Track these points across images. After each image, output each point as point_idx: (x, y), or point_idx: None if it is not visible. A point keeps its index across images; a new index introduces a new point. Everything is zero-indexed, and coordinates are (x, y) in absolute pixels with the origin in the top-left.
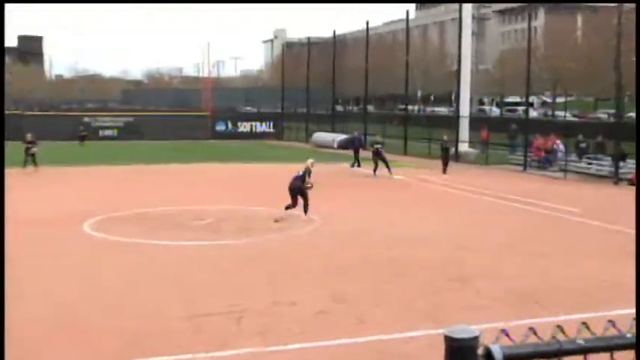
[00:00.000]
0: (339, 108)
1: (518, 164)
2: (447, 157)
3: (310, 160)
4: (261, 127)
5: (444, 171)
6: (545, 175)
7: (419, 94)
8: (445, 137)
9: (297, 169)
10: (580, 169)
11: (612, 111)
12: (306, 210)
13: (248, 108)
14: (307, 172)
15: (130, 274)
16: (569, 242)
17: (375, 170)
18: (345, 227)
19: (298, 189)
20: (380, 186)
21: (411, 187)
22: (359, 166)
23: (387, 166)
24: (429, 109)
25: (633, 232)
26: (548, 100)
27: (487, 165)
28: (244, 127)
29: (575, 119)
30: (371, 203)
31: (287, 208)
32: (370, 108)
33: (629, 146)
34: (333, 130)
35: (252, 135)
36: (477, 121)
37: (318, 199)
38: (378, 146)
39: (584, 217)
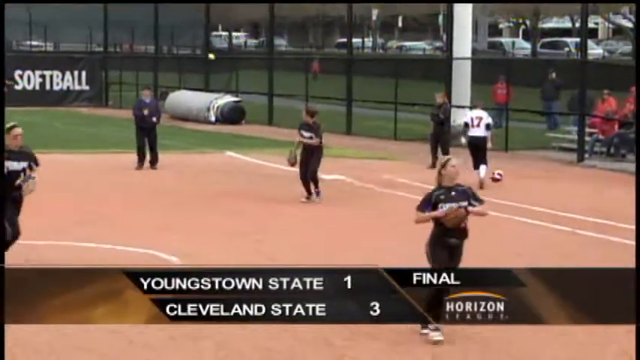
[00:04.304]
0: (220, 44)
1: (567, 149)
2: (443, 136)
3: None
4: (63, 81)
5: (434, 163)
6: (625, 171)
7: (374, 16)
8: (440, 98)
9: None
10: None
11: None
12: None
13: (35, 43)
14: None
15: None
16: None
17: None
18: None
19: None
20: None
21: (365, 197)
22: (140, 163)
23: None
24: (394, 44)
25: None
26: (628, 23)
27: (507, 150)
28: (30, 81)
29: None
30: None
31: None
32: (280, 43)
33: None
34: (208, 87)
35: (44, 97)
36: (488, 68)
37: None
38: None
39: None
